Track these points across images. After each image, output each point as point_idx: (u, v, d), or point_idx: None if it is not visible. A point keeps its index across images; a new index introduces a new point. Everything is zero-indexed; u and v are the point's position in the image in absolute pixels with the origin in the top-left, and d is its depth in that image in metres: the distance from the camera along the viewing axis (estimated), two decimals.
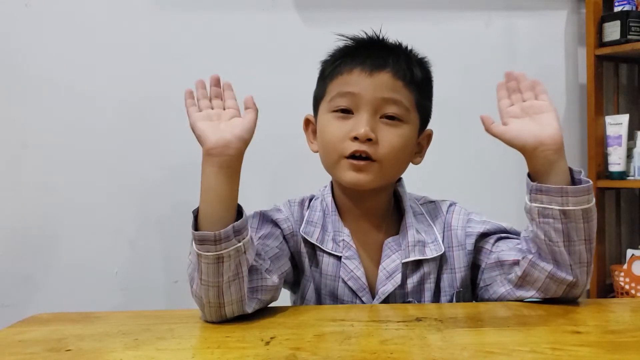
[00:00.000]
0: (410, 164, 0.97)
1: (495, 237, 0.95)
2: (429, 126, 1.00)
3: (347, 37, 0.97)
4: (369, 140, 0.88)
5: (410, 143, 0.94)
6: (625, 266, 2.00)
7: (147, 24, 1.53)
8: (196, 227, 0.79)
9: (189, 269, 0.81)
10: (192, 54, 1.57)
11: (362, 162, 0.89)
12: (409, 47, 0.97)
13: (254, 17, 1.64)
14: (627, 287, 1.98)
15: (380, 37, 0.97)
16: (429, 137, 1.00)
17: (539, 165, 0.83)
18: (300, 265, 0.96)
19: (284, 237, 0.94)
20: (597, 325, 0.77)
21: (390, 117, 0.91)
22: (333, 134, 0.91)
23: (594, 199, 0.82)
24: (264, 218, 0.95)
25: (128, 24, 1.51)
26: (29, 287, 1.42)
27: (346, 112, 0.91)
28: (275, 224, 0.95)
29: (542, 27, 2.04)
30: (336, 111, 0.92)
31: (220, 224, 0.77)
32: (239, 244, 0.78)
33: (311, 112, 1.00)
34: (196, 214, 0.80)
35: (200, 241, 0.76)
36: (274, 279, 0.85)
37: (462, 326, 0.75)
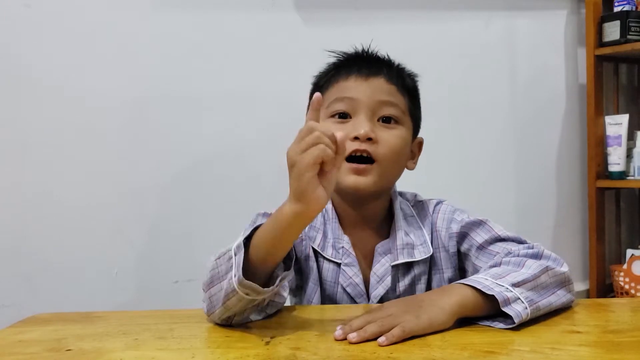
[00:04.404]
0: (405, 170, 0.99)
1: (476, 245, 0.93)
2: (421, 134, 1.03)
3: (338, 53, 1.00)
4: (369, 140, 0.89)
5: (407, 145, 0.96)
6: (625, 266, 2.00)
7: (147, 24, 1.53)
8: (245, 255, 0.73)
9: (211, 271, 0.76)
10: (192, 54, 1.57)
11: (362, 166, 0.89)
12: (397, 62, 1.00)
13: (254, 17, 1.64)
14: (626, 287, 1.98)
15: (371, 51, 1.00)
16: (420, 144, 1.03)
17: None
18: (306, 270, 0.96)
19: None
20: (597, 325, 0.77)
21: (387, 120, 0.93)
22: None
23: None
24: None
25: (128, 24, 1.51)
26: (29, 287, 1.42)
27: (344, 116, 0.93)
28: None
29: (542, 27, 2.04)
30: (334, 116, 0.93)
31: (271, 265, 0.75)
32: (276, 288, 0.75)
33: None
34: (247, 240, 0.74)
35: (246, 287, 0.71)
36: (285, 294, 0.84)
37: (462, 326, 0.75)
